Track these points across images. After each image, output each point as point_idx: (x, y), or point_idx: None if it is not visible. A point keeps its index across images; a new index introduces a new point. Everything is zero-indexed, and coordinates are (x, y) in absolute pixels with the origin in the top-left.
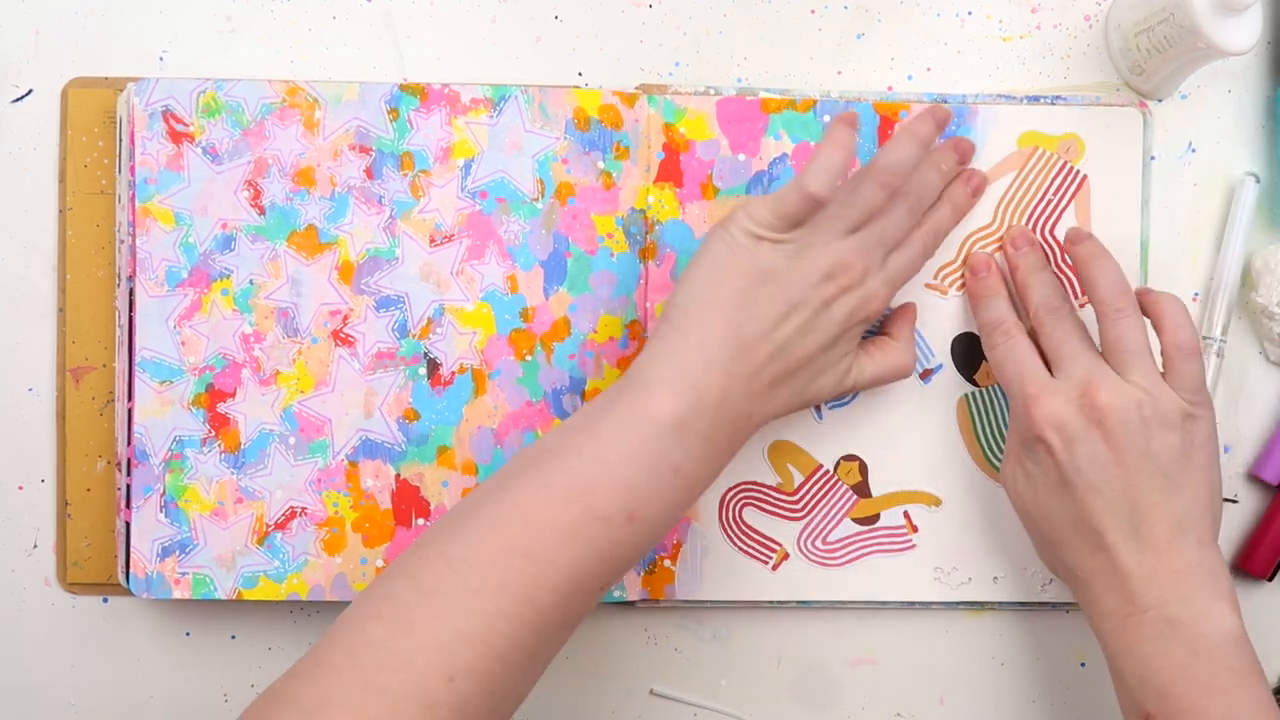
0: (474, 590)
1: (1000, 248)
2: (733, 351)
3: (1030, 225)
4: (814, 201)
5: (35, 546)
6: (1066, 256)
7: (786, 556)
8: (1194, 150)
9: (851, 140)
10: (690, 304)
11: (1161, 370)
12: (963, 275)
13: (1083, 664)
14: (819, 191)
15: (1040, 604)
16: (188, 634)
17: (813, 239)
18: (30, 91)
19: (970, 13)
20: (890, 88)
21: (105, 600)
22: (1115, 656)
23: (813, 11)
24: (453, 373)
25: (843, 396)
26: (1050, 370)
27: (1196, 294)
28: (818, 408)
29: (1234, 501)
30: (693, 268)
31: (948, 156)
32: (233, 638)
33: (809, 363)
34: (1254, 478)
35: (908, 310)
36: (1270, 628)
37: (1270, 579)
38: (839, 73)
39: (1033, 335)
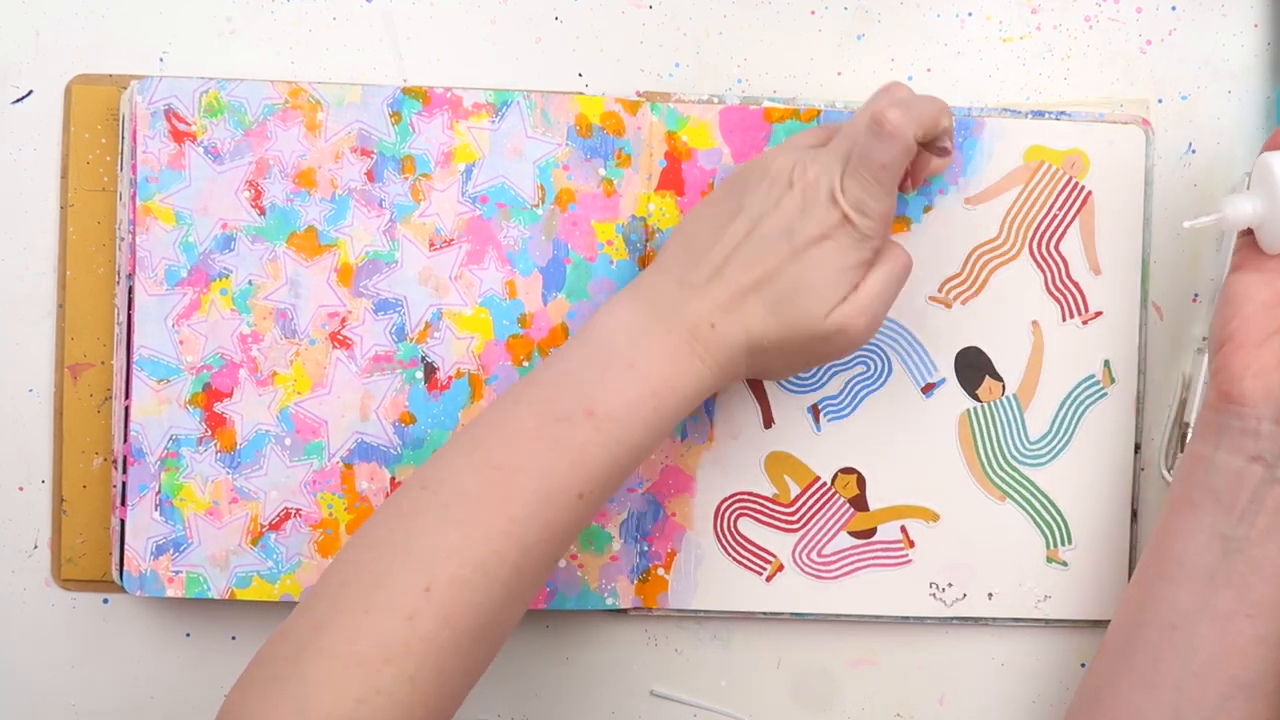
0: (447, 505)
1: None
2: (683, 258)
3: (1035, 240)
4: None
5: (35, 548)
6: (1070, 273)
7: (781, 568)
8: (1194, 151)
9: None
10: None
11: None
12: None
13: (1083, 665)
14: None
15: (1035, 620)
16: (188, 634)
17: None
18: (30, 93)
19: (970, 14)
20: None
21: (105, 601)
22: None
23: (813, 13)
24: (450, 377)
25: (843, 338)
26: None
27: (1196, 295)
28: (816, 417)
29: None
30: None
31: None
32: (233, 638)
33: (776, 272)
34: None
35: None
36: None
37: None
38: (839, 74)
39: None
